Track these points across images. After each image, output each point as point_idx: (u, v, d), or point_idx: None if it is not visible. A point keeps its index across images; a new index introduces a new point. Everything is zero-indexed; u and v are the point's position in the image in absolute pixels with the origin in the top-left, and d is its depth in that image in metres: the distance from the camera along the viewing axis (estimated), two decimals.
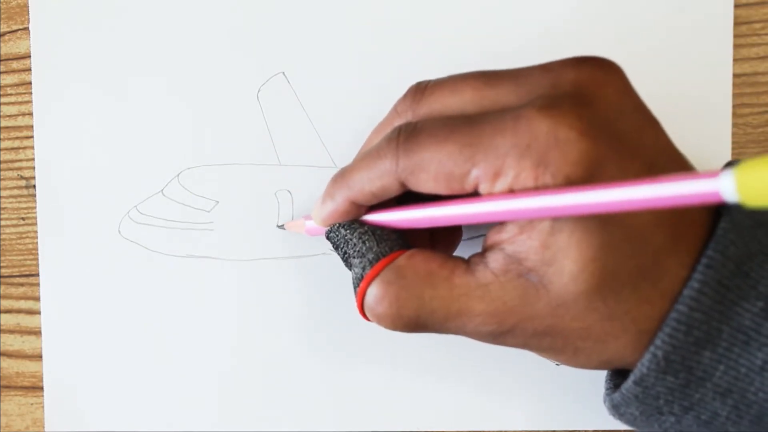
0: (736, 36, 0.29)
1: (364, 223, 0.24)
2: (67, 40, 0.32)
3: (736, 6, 0.29)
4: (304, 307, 0.31)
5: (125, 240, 0.32)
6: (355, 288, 0.23)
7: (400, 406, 0.31)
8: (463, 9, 0.30)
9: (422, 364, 0.31)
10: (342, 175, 0.24)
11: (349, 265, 0.24)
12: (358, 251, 0.23)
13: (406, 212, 0.23)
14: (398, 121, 0.23)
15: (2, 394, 0.33)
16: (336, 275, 0.31)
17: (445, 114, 0.22)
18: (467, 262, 0.22)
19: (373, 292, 0.22)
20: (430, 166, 0.21)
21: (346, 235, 0.24)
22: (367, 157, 0.23)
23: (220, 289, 0.31)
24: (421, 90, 0.23)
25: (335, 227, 0.24)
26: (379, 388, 0.31)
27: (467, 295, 0.21)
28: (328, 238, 0.25)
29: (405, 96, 0.23)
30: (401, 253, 0.23)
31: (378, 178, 0.22)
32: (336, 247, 0.25)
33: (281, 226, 0.30)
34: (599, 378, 0.30)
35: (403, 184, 0.22)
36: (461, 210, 0.21)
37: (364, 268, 0.23)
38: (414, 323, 0.22)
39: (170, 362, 0.32)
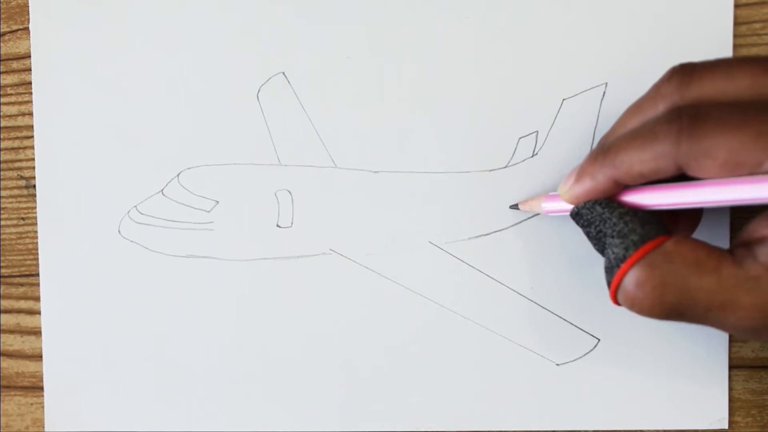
0: (736, 36, 0.29)
1: (622, 203, 0.24)
2: (67, 40, 0.32)
3: (736, 6, 0.29)
4: (304, 307, 0.31)
5: (125, 240, 0.32)
6: (611, 269, 0.23)
7: (400, 406, 0.31)
8: (463, 9, 0.30)
9: (422, 364, 0.31)
10: (605, 154, 0.23)
11: (600, 245, 0.24)
12: (619, 231, 0.23)
13: (676, 192, 0.22)
14: (662, 104, 0.23)
15: (2, 394, 0.33)
16: (336, 275, 0.31)
17: (718, 100, 0.21)
18: (732, 254, 0.21)
19: (635, 274, 0.22)
20: (718, 154, 0.20)
21: (603, 214, 0.23)
22: (638, 137, 0.22)
23: (220, 289, 0.31)
24: (688, 73, 0.22)
25: (589, 204, 0.24)
26: (379, 388, 0.31)
27: (734, 288, 0.21)
28: (577, 214, 0.25)
29: (669, 78, 0.23)
30: (667, 237, 0.22)
31: (652, 160, 0.22)
32: (586, 225, 0.24)
33: (514, 206, 0.30)
34: (599, 378, 0.30)
35: (679, 168, 0.21)
36: (750, 192, 0.20)
37: (627, 249, 0.22)
38: (673, 311, 0.22)
39: (170, 362, 0.32)
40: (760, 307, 0.21)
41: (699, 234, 0.28)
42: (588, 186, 0.24)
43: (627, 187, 0.24)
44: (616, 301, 0.23)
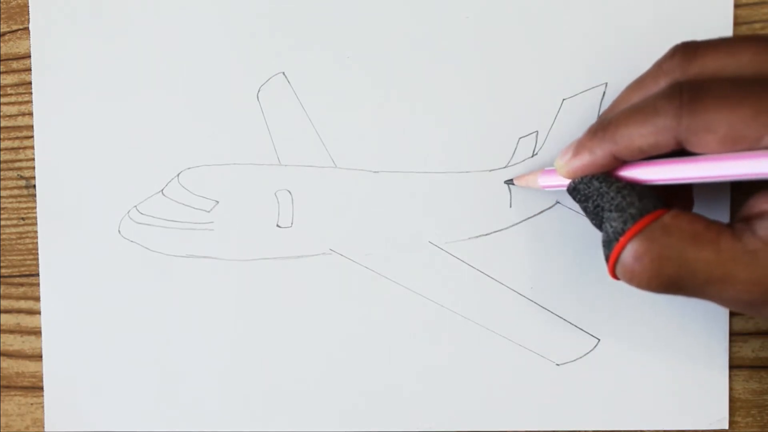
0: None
1: (619, 178, 0.24)
2: (67, 40, 0.32)
3: (736, 6, 0.29)
4: (304, 307, 0.31)
5: (125, 240, 0.32)
6: (609, 242, 0.23)
7: (400, 406, 0.31)
8: (463, 9, 0.30)
9: (422, 364, 0.31)
10: (604, 129, 0.23)
11: (598, 219, 0.24)
12: (617, 205, 0.23)
13: (674, 167, 0.22)
14: (664, 80, 0.23)
15: (2, 394, 0.33)
16: (336, 275, 0.31)
17: (719, 76, 0.21)
18: (731, 228, 0.21)
19: (634, 247, 0.22)
20: (718, 129, 0.20)
21: (600, 188, 0.23)
22: (638, 112, 0.22)
23: (220, 289, 0.31)
24: (691, 50, 0.22)
25: (586, 179, 0.24)
26: (379, 388, 0.31)
27: (733, 261, 0.21)
28: (574, 189, 0.25)
29: (672, 54, 0.23)
30: (665, 211, 0.22)
31: (652, 134, 0.22)
32: (584, 199, 0.24)
33: (509, 181, 0.30)
34: (599, 378, 0.30)
35: (679, 143, 0.21)
36: (748, 167, 0.20)
37: (625, 222, 0.22)
38: (671, 284, 0.22)
39: (170, 362, 0.32)
40: (758, 281, 0.21)
41: (699, 209, 0.28)
42: (586, 160, 0.24)
43: (624, 162, 0.24)
44: (614, 276, 0.23)
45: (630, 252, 0.22)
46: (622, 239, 0.22)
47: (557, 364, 0.30)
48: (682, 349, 0.29)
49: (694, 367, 0.29)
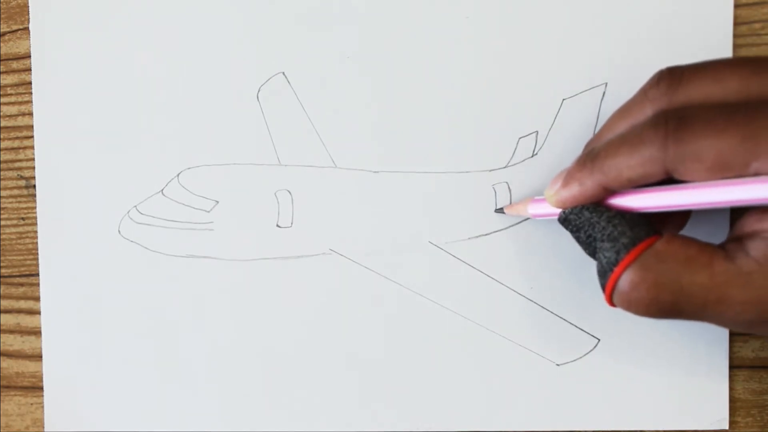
0: (736, 36, 0.29)
1: (609, 207, 0.24)
2: (67, 40, 0.32)
3: (736, 6, 0.29)
4: (304, 307, 0.31)
5: (125, 240, 0.32)
6: (604, 272, 0.23)
7: (400, 406, 0.31)
8: (463, 9, 0.30)
9: (423, 364, 0.31)
10: (593, 160, 0.23)
11: (591, 249, 0.24)
12: (609, 235, 0.23)
13: (662, 195, 0.22)
14: (650, 108, 0.23)
15: (2, 394, 0.33)
16: (336, 275, 0.31)
17: (706, 103, 0.21)
18: (724, 249, 0.21)
19: (629, 277, 0.22)
20: (705, 157, 0.20)
21: (591, 218, 0.24)
22: (626, 142, 0.22)
23: (220, 289, 0.31)
24: (676, 76, 0.22)
25: (576, 210, 0.24)
26: (379, 388, 0.31)
27: (728, 283, 0.21)
28: (565, 219, 0.25)
29: (658, 81, 0.23)
30: (657, 238, 0.22)
31: (640, 165, 0.22)
32: (576, 230, 0.24)
33: (499, 210, 0.30)
34: (599, 378, 0.30)
35: (667, 172, 0.21)
36: (736, 194, 0.20)
37: (618, 253, 0.22)
38: (669, 310, 0.22)
39: (170, 362, 0.32)
40: (755, 301, 0.21)
41: (701, 227, 0.28)
42: (576, 191, 0.24)
43: (614, 191, 0.24)
44: (612, 303, 0.23)
45: (626, 281, 0.22)
46: (616, 269, 0.22)
47: (557, 364, 0.30)
48: (682, 349, 0.30)
49: (694, 367, 0.29)
